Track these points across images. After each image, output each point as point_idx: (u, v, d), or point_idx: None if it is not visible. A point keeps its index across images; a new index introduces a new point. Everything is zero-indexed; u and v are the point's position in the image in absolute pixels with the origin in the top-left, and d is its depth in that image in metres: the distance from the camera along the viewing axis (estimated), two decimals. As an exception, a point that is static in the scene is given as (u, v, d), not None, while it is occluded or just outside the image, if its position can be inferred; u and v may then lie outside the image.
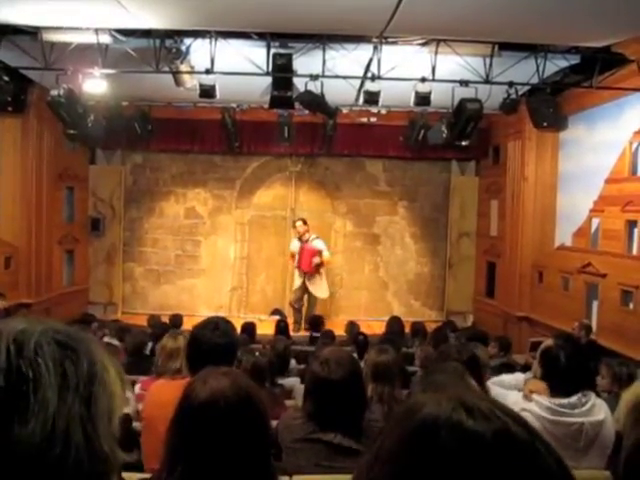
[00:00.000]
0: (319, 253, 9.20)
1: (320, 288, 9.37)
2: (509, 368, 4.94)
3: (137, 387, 3.75)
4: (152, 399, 2.55)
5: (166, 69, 6.73)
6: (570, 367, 2.47)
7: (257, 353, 4.35)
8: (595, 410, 2.46)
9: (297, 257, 9.27)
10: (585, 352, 2.73)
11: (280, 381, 4.41)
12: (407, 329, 7.64)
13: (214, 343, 2.48)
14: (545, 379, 2.58)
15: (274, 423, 2.35)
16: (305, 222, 9.40)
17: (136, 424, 3.33)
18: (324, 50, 6.60)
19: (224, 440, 1.52)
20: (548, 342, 2.63)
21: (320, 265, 9.26)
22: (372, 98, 6.93)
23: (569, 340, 2.67)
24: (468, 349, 3.02)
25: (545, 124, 7.90)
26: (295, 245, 9.40)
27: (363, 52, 6.84)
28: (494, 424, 0.61)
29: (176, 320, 7.46)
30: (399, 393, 3.19)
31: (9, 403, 0.66)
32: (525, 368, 5.51)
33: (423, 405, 0.64)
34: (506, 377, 3.18)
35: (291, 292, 9.72)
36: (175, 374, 3.19)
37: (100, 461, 0.70)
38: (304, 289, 9.30)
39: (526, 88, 7.49)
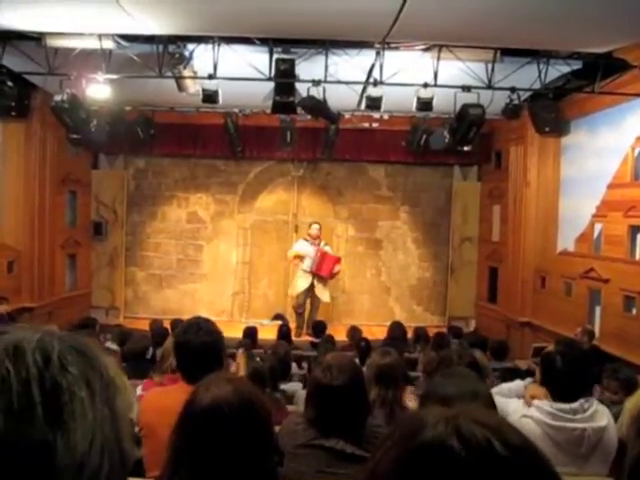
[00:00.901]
0: (340, 261, 9.30)
1: (325, 292, 9.34)
2: (513, 373, 4.93)
3: (139, 389, 3.75)
4: (149, 406, 2.54)
5: (169, 74, 6.76)
6: (568, 373, 2.46)
7: (258, 358, 4.34)
8: (597, 416, 2.45)
9: (312, 261, 9.03)
10: (587, 358, 2.71)
11: (282, 386, 4.40)
12: (409, 334, 7.63)
13: (200, 343, 2.46)
14: (544, 384, 2.57)
15: (276, 428, 2.35)
16: (320, 227, 9.37)
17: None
18: (326, 55, 6.61)
19: (226, 446, 1.52)
20: (549, 347, 2.64)
21: (337, 273, 9.35)
22: (374, 103, 6.94)
23: (570, 345, 2.65)
24: (468, 354, 3.02)
25: (547, 129, 7.90)
26: (306, 247, 9.15)
27: (365, 57, 6.86)
28: (486, 455, 0.59)
29: (177, 325, 7.44)
30: (403, 397, 3.18)
31: (49, 415, 0.64)
32: (528, 373, 5.50)
33: (422, 427, 0.63)
34: (505, 385, 3.17)
35: (292, 294, 9.58)
36: (174, 372, 3.21)
37: (126, 461, 0.71)
38: (307, 293, 9.25)
39: (528, 93, 7.50)
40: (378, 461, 0.64)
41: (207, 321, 2.65)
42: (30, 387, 0.64)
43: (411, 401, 3.21)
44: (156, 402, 2.53)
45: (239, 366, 4.01)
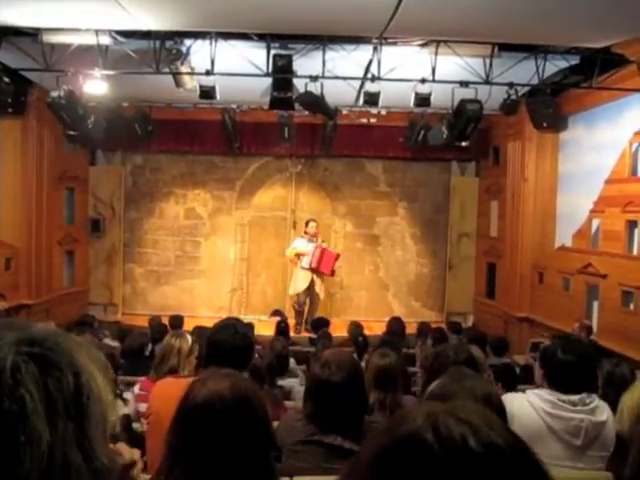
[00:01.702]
0: (339, 257, 9.29)
1: (322, 288, 9.36)
2: (510, 368, 4.93)
3: (136, 387, 3.75)
4: (159, 396, 2.55)
5: (166, 70, 6.74)
6: (569, 365, 2.47)
7: (256, 355, 4.34)
8: (598, 411, 2.46)
9: (312, 259, 8.99)
10: (588, 352, 2.72)
11: (279, 382, 4.41)
12: (410, 330, 7.66)
13: (235, 346, 2.52)
14: (545, 376, 2.58)
15: (274, 424, 2.35)
16: (318, 224, 9.35)
17: (136, 425, 3.34)
18: (324, 51, 6.60)
19: (222, 442, 1.52)
20: (546, 342, 2.67)
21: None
22: (372, 99, 6.94)
23: (569, 339, 2.69)
24: (465, 349, 3.02)
25: (545, 125, 7.90)
26: (305, 245, 9.12)
27: (363, 53, 6.85)
28: (460, 451, 0.58)
29: (176, 321, 7.45)
30: (401, 399, 3.20)
31: None
32: (525, 369, 5.51)
33: (404, 420, 0.63)
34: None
35: (293, 294, 9.52)
36: (173, 372, 3.21)
37: (100, 474, 0.67)
38: (307, 291, 9.23)
39: (526, 89, 7.50)
40: (362, 451, 0.65)
41: (244, 325, 2.73)
42: None
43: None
44: (167, 391, 2.54)
45: None
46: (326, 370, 2.26)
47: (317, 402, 2.28)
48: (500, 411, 1.81)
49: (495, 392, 1.88)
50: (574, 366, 2.48)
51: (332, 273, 9.32)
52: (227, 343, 2.52)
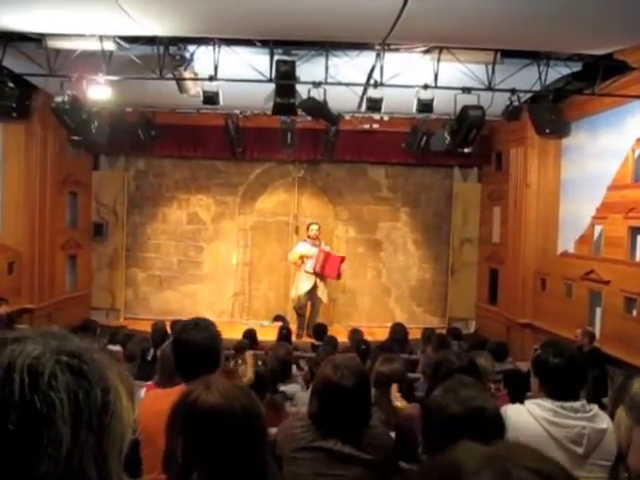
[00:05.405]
0: (344, 260, 9.24)
1: (325, 292, 9.34)
2: (514, 375, 4.92)
3: (142, 391, 3.74)
4: (148, 409, 2.51)
5: (170, 76, 6.76)
6: (563, 369, 2.47)
7: (260, 362, 4.33)
8: (598, 419, 2.45)
9: (316, 263, 8.99)
10: (578, 355, 2.73)
11: (282, 387, 4.40)
12: (414, 335, 7.66)
13: (199, 342, 2.41)
14: (541, 384, 2.58)
15: (274, 431, 2.35)
16: (319, 227, 9.34)
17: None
18: (327, 57, 6.62)
19: (233, 447, 1.51)
20: (537, 351, 2.66)
21: (343, 272, 9.32)
22: (374, 105, 6.95)
23: (558, 345, 2.69)
24: (467, 355, 3.01)
25: (547, 131, 7.90)
26: (308, 248, 9.11)
27: (366, 59, 6.86)
28: None
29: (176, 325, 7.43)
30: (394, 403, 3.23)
31: (22, 443, 0.62)
32: (529, 375, 5.48)
33: (462, 473, 0.55)
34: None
35: (295, 297, 9.52)
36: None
37: None
38: (309, 294, 9.21)
39: (528, 95, 7.50)
40: None
41: (206, 320, 2.62)
42: (9, 411, 0.63)
43: (397, 400, 3.26)
44: (155, 405, 2.51)
45: (247, 368, 4.02)
46: (338, 373, 2.26)
47: (324, 403, 2.26)
48: (496, 424, 1.78)
49: (492, 406, 1.84)
50: (567, 369, 2.48)
51: (338, 276, 9.25)
52: (191, 341, 2.41)
